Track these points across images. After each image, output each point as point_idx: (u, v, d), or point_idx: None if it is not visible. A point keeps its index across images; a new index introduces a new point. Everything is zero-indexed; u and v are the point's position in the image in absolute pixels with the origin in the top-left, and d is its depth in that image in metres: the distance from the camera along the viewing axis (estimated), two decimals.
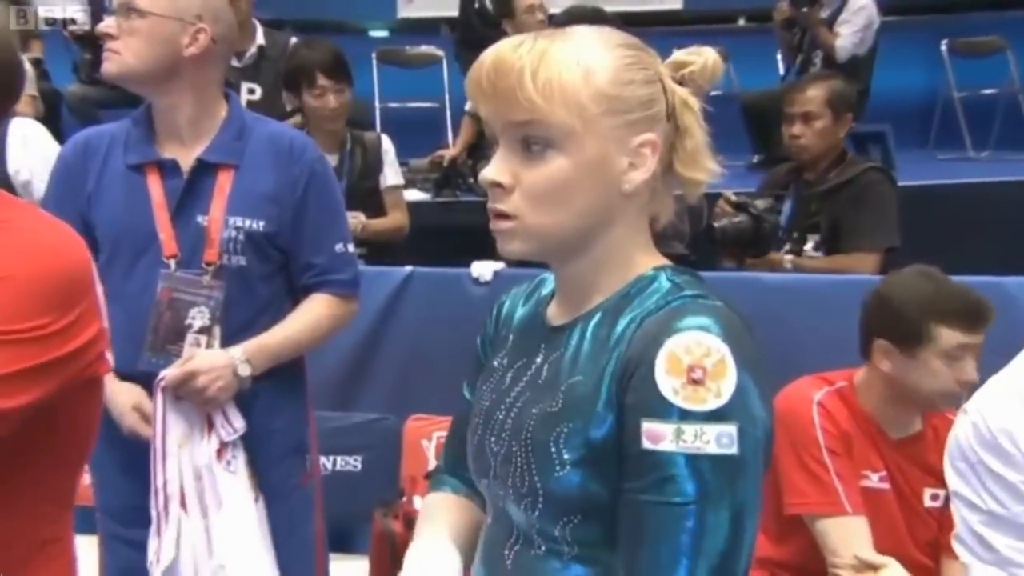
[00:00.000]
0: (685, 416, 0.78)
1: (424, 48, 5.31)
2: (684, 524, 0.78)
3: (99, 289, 1.08)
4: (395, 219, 3.02)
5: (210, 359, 1.57)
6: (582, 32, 0.86)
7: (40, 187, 2.68)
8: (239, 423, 1.60)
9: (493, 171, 0.85)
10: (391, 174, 3.03)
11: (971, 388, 1.59)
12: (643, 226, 0.89)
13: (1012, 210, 3.59)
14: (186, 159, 1.62)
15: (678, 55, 0.90)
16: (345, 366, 2.60)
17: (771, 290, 2.52)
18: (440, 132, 4.78)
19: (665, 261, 0.90)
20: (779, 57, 5.21)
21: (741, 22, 6.43)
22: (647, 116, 0.85)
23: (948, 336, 1.62)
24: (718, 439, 0.77)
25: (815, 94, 2.72)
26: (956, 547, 1.17)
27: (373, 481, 2.48)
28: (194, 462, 1.56)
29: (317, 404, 1.91)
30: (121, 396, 1.59)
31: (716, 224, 2.60)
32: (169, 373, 1.56)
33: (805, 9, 4.53)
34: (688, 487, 0.78)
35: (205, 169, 1.62)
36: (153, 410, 1.56)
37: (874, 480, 1.71)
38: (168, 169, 1.62)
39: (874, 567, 1.60)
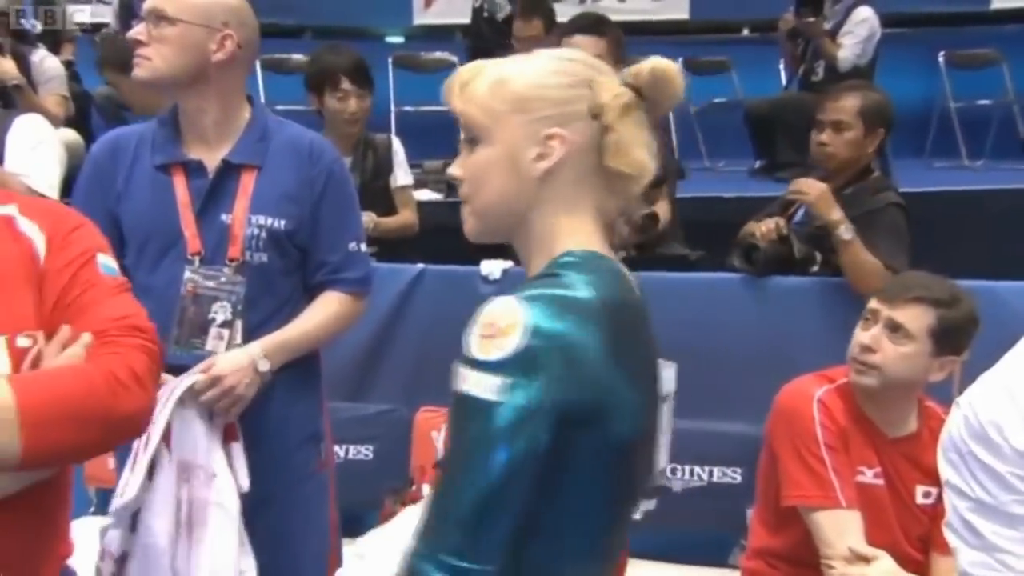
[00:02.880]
0: (474, 364, 0.87)
1: (438, 54, 5.33)
2: (458, 456, 0.87)
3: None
4: (405, 217, 3.04)
5: (232, 360, 1.58)
6: (536, 53, 1.00)
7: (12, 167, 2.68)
8: (245, 481, 1.57)
9: (452, 166, 1.01)
10: (401, 174, 3.05)
11: (858, 352, 1.71)
12: (570, 212, 0.96)
13: (1005, 217, 3.58)
14: (211, 160, 1.63)
15: (636, 65, 0.98)
16: (359, 359, 2.61)
17: (771, 291, 2.53)
18: (453, 135, 4.77)
19: (588, 247, 0.96)
20: (782, 66, 5.21)
21: (745, 32, 6.42)
22: (560, 113, 0.95)
23: (870, 301, 1.75)
24: (491, 386, 0.86)
25: (849, 103, 2.51)
26: (946, 533, 1.19)
27: (384, 469, 2.49)
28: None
29: (331, 395, 1.92)
30: None
31: (763, 249, 2.48)
32: (196, 381, 1.55)
33: (810, 20, 4.52)
34: (465, 424, 0.87)
35: (229, 170, 1.63)
36: (166, 396, 1.56)
37: (869, 476, 1.72)
38: (193, 169, 1.63)
39: (866, 559, 1.61)
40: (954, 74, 5.08)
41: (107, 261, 1.12)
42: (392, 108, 4.92)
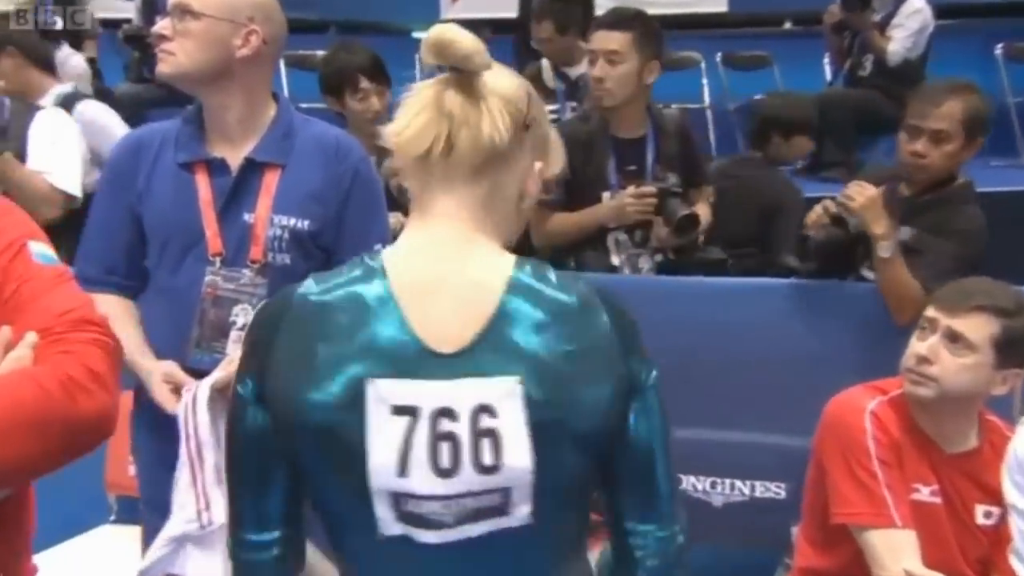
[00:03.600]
0: None
1: None
2: None
3: None
4: None
5: None
6: None
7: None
8: None
9: None
10: None
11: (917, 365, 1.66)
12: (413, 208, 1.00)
13: None
14: (234, 158, 1.64)
15: None
16: None
17: (817, 296, 2.49)
18: None
19: (394, 251, 0.99)
20: (826, 61, 5.15)
21: (787, 25, 6.37)
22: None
23: (927, 309, 1.71)
24: None
25: (952, 110, 2.22)
26: (1013, 560, 1.15)
27: None
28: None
29: None
30: (155, 375, 1.60)
31: (812, 237, 2.31)
32: (217, 376, 1.56)
33: (857, 12, 4.46)
34: None
35: (253, 168, 1.64)
36: (193, 398, 1.56)
37: (925, 494, 1.68)
38: (216, 167, 1.64)
39: None
40: (1013, 68, 4.98)
41: (41, 249, 1.04)
42: None
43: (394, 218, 2.76)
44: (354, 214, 1.67)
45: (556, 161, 1.03)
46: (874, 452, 1.65)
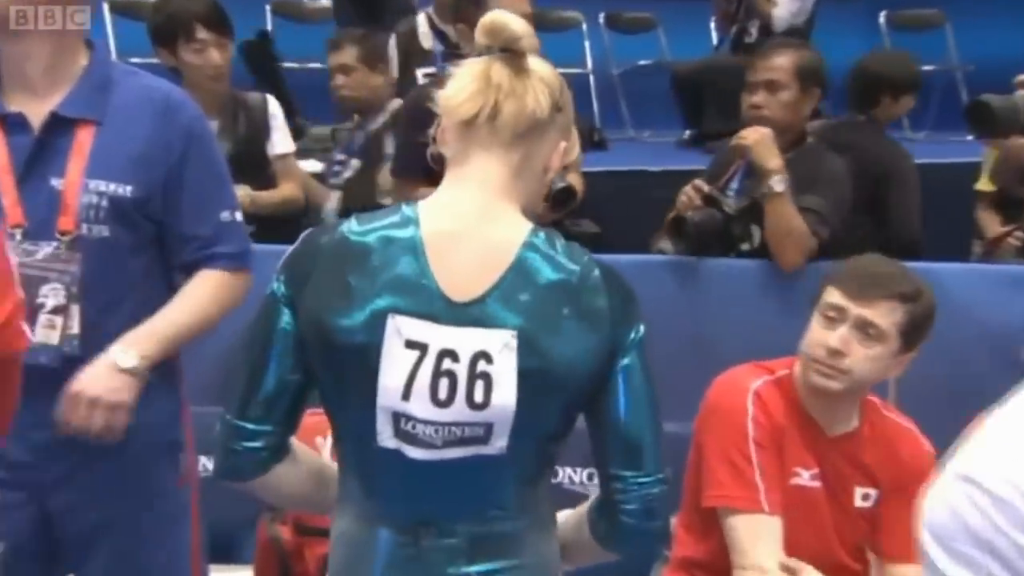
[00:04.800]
0: None
1: (324, 1, 5.18)
2: None
3: (12, 260, 1.08)
4: (286, 190, 2.94)
5: (88, 371, 1.52)
6: None
7: None
8: None
9: None
10: (280, 140, 2.94)
11: (829, 355, 1.65)
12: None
13: (949, 193, 3.70)
14: (37, 113, 1.54)
15: None
16: (228, 356, 2.51)
17: (701, 274, 2.55)
18: None
19: (426, 200, 1.20)
20: (712, 26, 5.28)
21: None
22: None
23: (830, 293, 1.70)
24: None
25: (783, 62, 2.61)
26: None
27: None
28: None
29: (196, 399, 1.84)
30: None
31: (689, 218, 2.50)
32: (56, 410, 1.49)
33: None
34: None
35: (60, 125, 1.54)
36: None
37: (805, 478, 1.72)
38: (14, 124, 1.54)
39: (792, 571, 1.62)
40: (896, 36, 5.24)
41: None
42: None
43: (242, 191, 2.67)
44: (193, 180, 1.60)
45: (574, 147, 1.23)
46: (752, 434, 1.68)
